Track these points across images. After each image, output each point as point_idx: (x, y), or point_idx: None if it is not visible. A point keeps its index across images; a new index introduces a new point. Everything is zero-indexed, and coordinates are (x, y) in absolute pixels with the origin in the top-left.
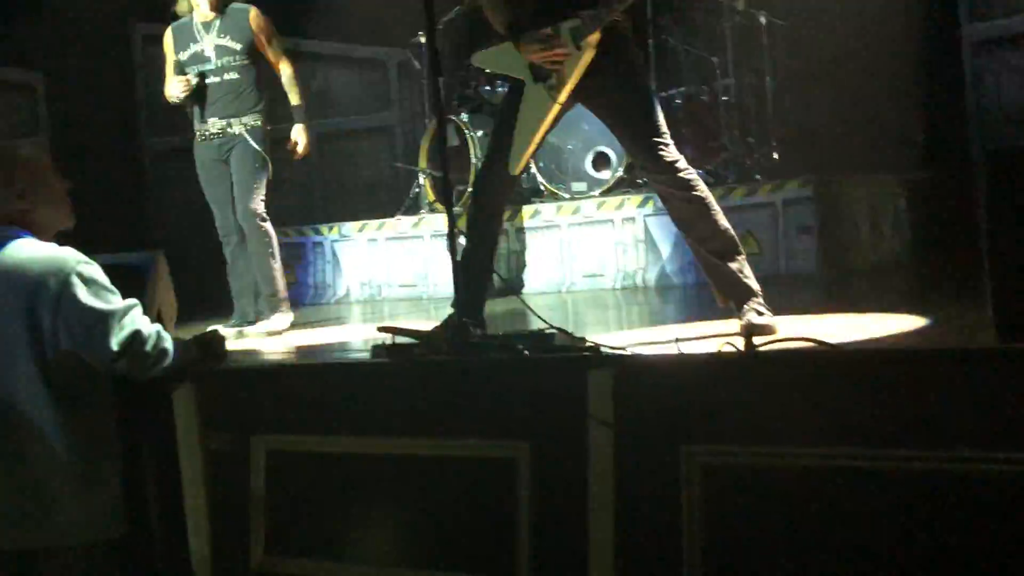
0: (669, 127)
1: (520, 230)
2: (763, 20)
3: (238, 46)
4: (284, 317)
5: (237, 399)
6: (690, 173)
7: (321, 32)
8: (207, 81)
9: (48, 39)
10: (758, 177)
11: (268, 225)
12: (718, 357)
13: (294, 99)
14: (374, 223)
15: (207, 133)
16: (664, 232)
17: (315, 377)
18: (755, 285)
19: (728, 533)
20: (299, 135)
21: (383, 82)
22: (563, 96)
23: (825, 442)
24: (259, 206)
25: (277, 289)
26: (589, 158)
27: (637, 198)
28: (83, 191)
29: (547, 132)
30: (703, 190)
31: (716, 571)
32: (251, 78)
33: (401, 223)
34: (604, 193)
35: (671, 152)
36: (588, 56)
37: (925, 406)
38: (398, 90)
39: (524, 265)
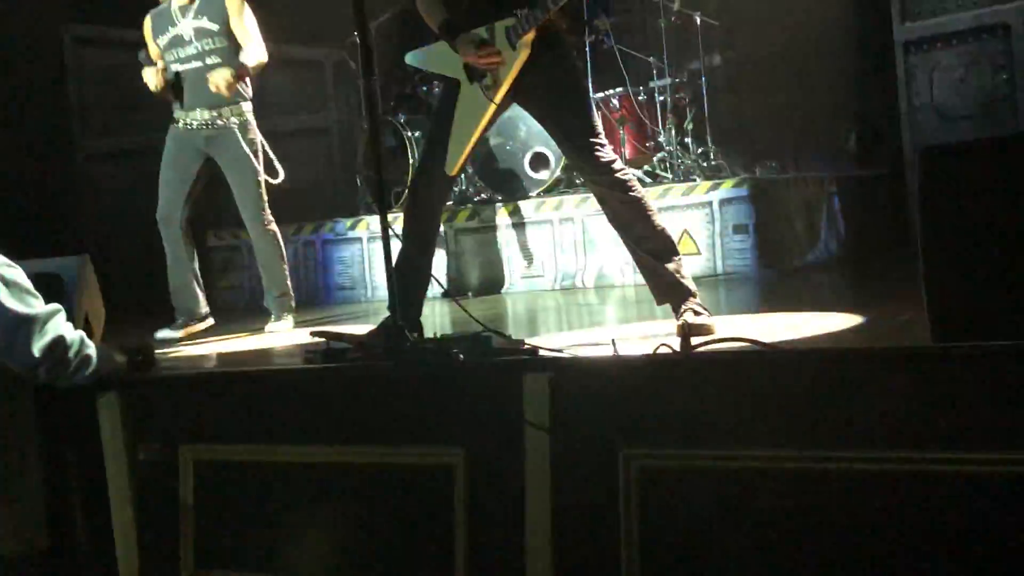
0: (606, 128)
1: (458, 232)
2: (698, 20)
3: (215, 26)
4: (291, 318)
5: (164, 408)
6: (626, 174)
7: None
8: (188, 67)
9: None
10: (695, 177)
11: (275, 227)
12: (654, 358)
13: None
14: (310, 226)
15: (192, 124)
16: (603, 232)
17: (245, 385)
18: (692, 285)
19: (666, 537)
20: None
21: (319, 83)
22: (499, 96)
23: (763, 444)
24: (265, 210)
25: (287, 289)
26: (527, 159)
27: (576, 198)
28: (12, 195)
29: (483, 132)
30: (639, 191)
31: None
32: (229, 62)
33: (338, 225)
34: (542, 194)
35: (606, 153)
36: (523, 56)
37: (860, 406)
38: (334, 91)
39: (462, 267)
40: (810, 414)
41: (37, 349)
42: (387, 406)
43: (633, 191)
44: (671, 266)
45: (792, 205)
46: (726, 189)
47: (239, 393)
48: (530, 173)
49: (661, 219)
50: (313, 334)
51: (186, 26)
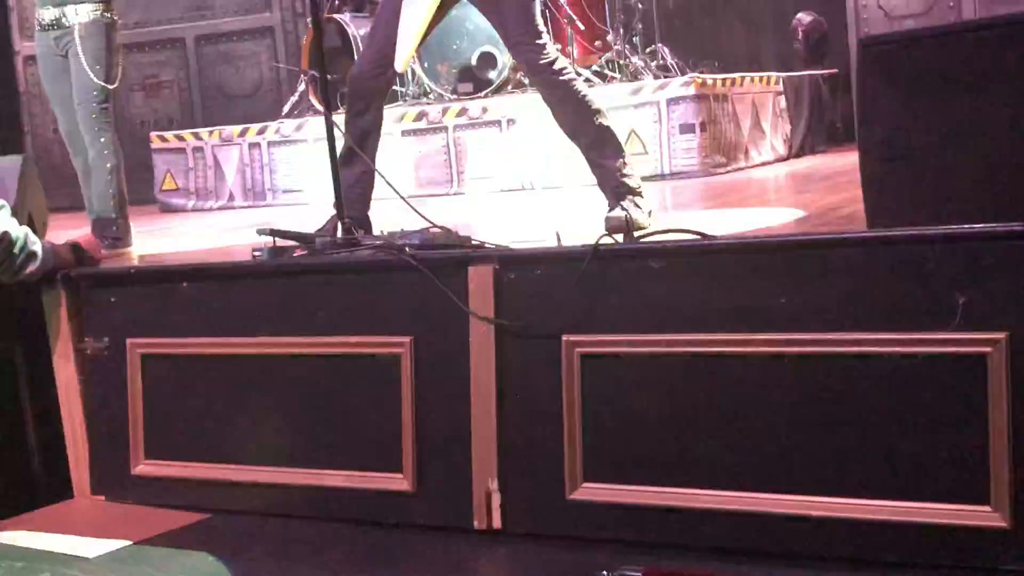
0: (554, 27)
1: (406, 132)
2: None
3: None
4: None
5: (111, 302)
6: (565, 74)
7: None
8: None
9: None
10: (642, 77)
11: (108, 136)
12: (597, 248)
13: None
14: (255, 127)
15: (43, 22)
16: (552, 134)
17: (193, 279)
18: (635, 184)
19: (607, 420)
20: None
21: None
22: None
23: (703, 329)
24: (98, 111)
25: (107, 212)
26: (475, 57)
27: (524, 99)
28: None
29: (432, 26)
30: (580, 91)
31: (596, 459)
32: None
33: (284, 126)
34: (490, 93)
35: (545, 53)
36: None
37: (794, 293)
38: None
39: (408, 167)
40: (748, 301)
41: None
42: (334, 299)
43: (573, 92)
44: (615, 163)
45: (739, 104)
46: (673, 89)
47: (186, 287)
48: (478, 73)
49: (606, 118)
50: (259, 232)
51: None
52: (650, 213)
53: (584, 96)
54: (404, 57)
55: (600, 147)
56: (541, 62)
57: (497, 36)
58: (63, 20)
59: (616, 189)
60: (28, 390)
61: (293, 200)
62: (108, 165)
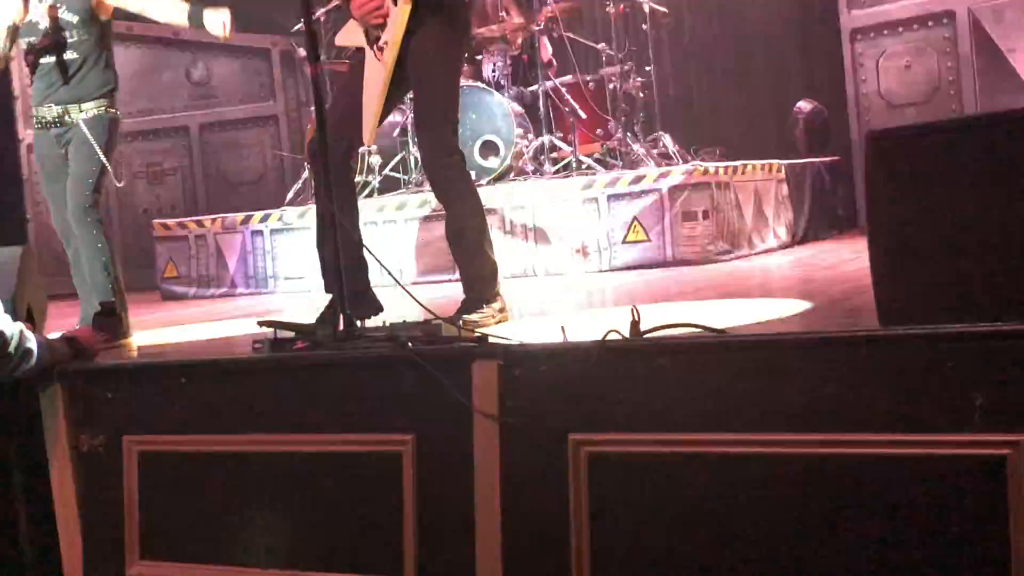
0: (556, 115)
1: (408, 220)
2: (647, 8)
3: (74, 18)
4: (123, 332)
5: (108, 398)
6: (449, 171)
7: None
8: (41, 60)
9: None
10: (645, 164)
11: (101, 227)
12: (603, 344)
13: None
14: (258, 214)
15: (43, 120)
16: (553, 221)
17: (191, 374)
18: (488, 295)
19: (615, 522)
20: (217, 19)
21: (266, 71)
22: (389, 56)
23: (711, 428)
24: (91, 203)
25: (108, 304)
26: (477, 146)
27: (526, 186)
28: None
29: (394, 100)
30: (459, 193)
31: (604, 561)
32: (93, 57)
33: (287, 214)
34: (492, 181)
35: (439, 148)
36: (405, 11)
37: (807, 391)
38: (282, 79)
39: (411, 254)
40: (757, 399)
41: None
42: (335, 394)
43: (452, 198)
44: (471, 271)
45: (742, 192)
46: (675, 176)
47: (184, 383)
48: (479, 160)
49: (484, 225)
50: (261, 323)
51: (42, 11)
52: (501, 310)
53: (459, 199)
54: (370, 130)
55: (471, 255)
56: (429, 154)
57: (499, 125)
58: (66, 118)
59: (468, 294)
60: (22, 487)
61: (295, 287)
62: (103, 259)
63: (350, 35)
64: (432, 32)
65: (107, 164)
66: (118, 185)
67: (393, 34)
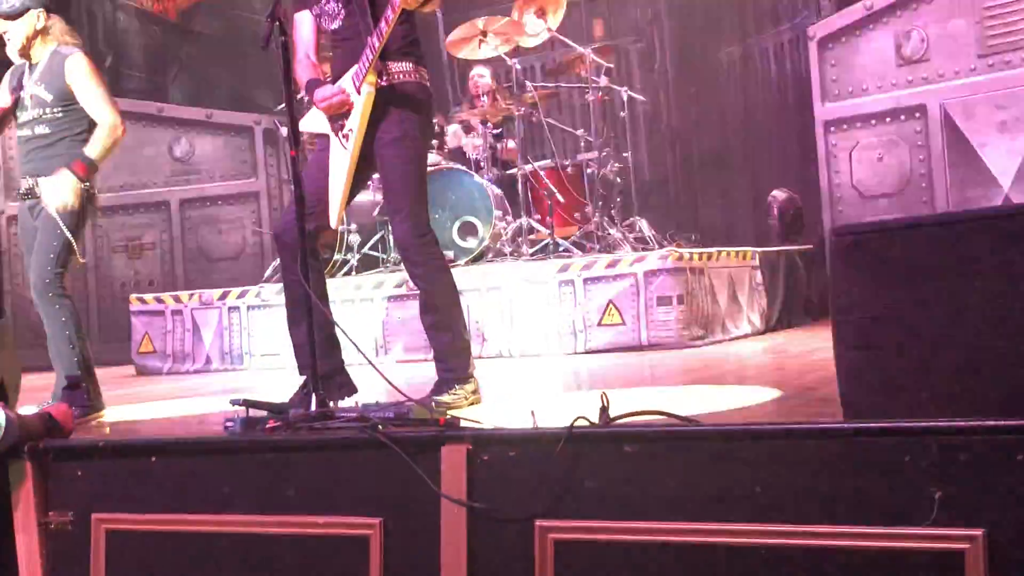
0: (534, 197)
1: (387, 299)
2: (625, 96)
3: (49, 96)
4: (95, 406)
5: (77, 475)
6: (416, 257)
7: (187, 97)
8: (20, 133)
9: None
10: (621, 249)
11: (65, 303)
12: (572, 431)
13: (92, 150)
14: (236, 291)
15: (21, 191)
16: (530, 302)
17: (160, 453)
18: (462, 372)
19: None
20: (65, 185)
21: (249, 148)
22: (354, 143)
23: (678, 516)
24: (52, 279)
25: (73, 378)
26: (456, 227)
27: (503, 267)
28: None
29: (357, 184)
30: (430, 281)
31: None
32: (64, 133)
33: (264, 291)
34: (470, 262)
35: (408, 234)
36: (368, 100)
37: (772, 481)
38: (264, 157)
39: (390, 334)
40: (724, 489)
41: None
42: (304, 476)
43: (426, 279)
44: (444, 352)
45: (716, 278)
46: (651, 261)
47: (153, 462)
48: (458, 241)
49: (457, 307)
50: (233, 402)
51: (28, 90)
52: (474, 391)
53: (431, 286)
54: (336, 214)
55: (445, 335)
56: (400, 239)
57: (478, 206)
58: (35, 190)
59: (441, 375)
60: None
61: (271, 364)
62: (67, 333)
63: (314, 122)
64: (395, 118)
65: (72, 240)
66: (80, 261)
67: (357, 122)
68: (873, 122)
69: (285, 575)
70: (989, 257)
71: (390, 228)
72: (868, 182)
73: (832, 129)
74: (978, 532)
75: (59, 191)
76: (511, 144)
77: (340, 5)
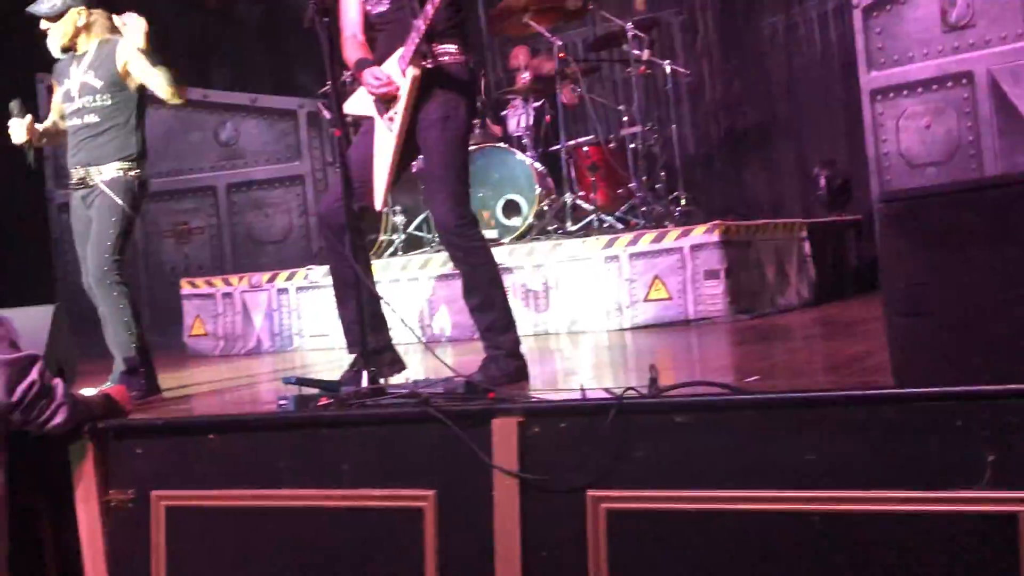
0: (578, 174)
1: (433, 278)
2: (668, 69)
3: (99, 83)
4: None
5: (137, 454)
6: (466, 241)
7: (230, 82)
8: (68, 124)
9: None
10: (666, 223)
11: (123, 289)
12: (622, 401)
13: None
14: (284, 273)
15: (72, 182)
16: (575, 279)
17: (217, 431)
18: (509, 347)
19: None
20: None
21: (293, 132)
22: (398, 126)
23: (728, 485)
24: (110, 266)
25: (133, 363)
26: (499, 206)
27: (548, 245)
28: None
29: (401, 166)
30: (477, 260)
31: None
32: (114, 121)
33: (312, 272)
34: (514, 240)
35: (450, 214)
36: (412, 83)
37: (823, 449)
38: (308, 140)
39: (436, 313)
40: (775, 457)
41: (12, 393)
42: (357, 451)
43: (467, 261)
44: (490, 330)
45: (763, 250)
46: (697, 235)
47: (211, 439)
48: (502, 220)
49: (502, 291)
50: (286, 380)
51: (75, 80)
52: (522, 368)
53: (476, 266)
54: (381, 196)
55: (490, 314)
56: (441, 220)
57: (521, 184)
58: (87, 179)
59: (488, 352)
60: (52, 543)
61: (320, 344)
62: (124, 319)
63: (359, 104)
64: (439, 101)
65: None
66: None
67: (403, 104)
68: (920, 90)
69: (340, 548)
70: None
71: (430, 210)
72: (915, 151)
73: (879, 98)
74: None
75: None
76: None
77: None
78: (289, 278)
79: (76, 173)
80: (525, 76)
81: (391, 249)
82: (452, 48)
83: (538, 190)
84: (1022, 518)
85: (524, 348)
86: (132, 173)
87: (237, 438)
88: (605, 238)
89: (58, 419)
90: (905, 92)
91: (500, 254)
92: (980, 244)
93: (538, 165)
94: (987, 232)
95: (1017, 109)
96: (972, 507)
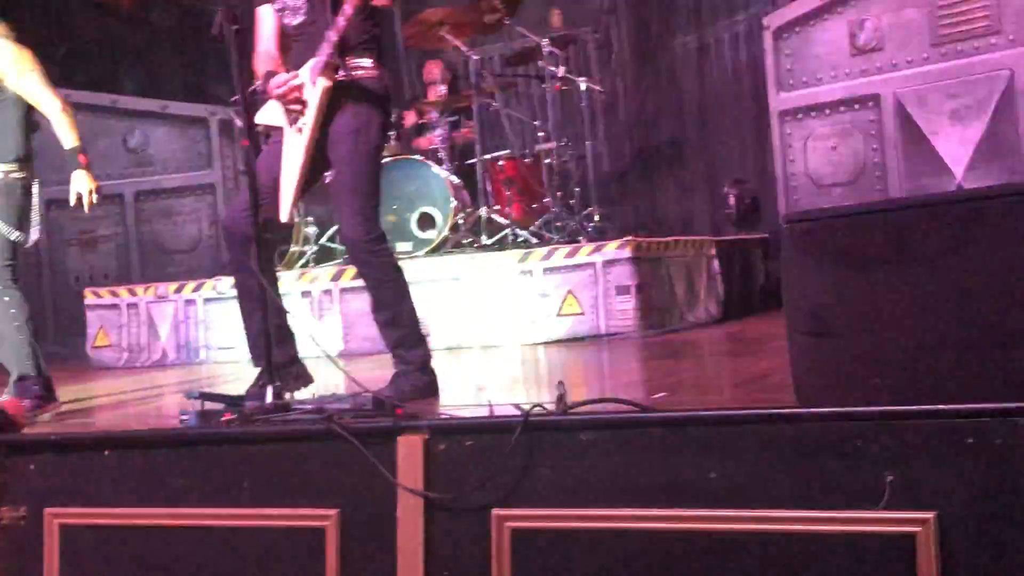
0: (493, 188)
1: (344, 291)
2: (583, 87)
3: None
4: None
5: (30, 470)
6: (373, 256)
7: (140, 88)
8: None
9: None
10: (580, 238)
11: (13, 294)
12: (528, 418)
13: (66, 141)
14: (192, 283)
15: None
16: (489, 293)
17: (113, 447)
18: (418, 361)
19: None
20: (80, 183)
21: (204, 140)
22: (307, 137)
23: (633, 503)
24: (1, 272)
25: (26, 370)
26: (415, 218)
27: (463, 258)
28: None
29: (310, 179)
30: (380, 276)
31: None
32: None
33: (220, 283)
34: (429, 253)
35: (358, 229)
36: (322, 91)
37: (725, 467)
38: (219, 148)
39: (348, 327)
40: (677, 474)
41: None
42: (260, 468)
43: (375, 275)
44: (399, 345)
45: (673, 267)
46: (609, 251)
47: (107, 455)
48: (417, 232)
49: (408, 301)
50: (188, 395)
51: None
52: (431, 383)
53: (380, 281)
54: (288, 207)
55: (399, 329)
56: (348, 235)
57: (436, 197)
58: None
59: (397, 367)
60: None
61: (227, 357)
62: (15, 324)
63: (270, 114)
64: (351, 113)
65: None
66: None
67: (312, 115)
68: (827, 111)
69: (242, 568)
70: (939, 243)
71: (338, 224)
72: (822, 171)
73: (787, 119)
74: (929, 515)
75: (82, 189)
76: (469, 127)
77: (302, 0)
78: (196, 289)
79: None
80: (441, 89)
81: (303, 260)
82: (367, 62)
83: (453, 203)
84: (920, 538)
85: (435, 363)
86: (13, 176)
87: (135, 454)
88: (519, 252)
89: None
90: (813, 113)
91: (414, 267)
92: (882, 265)
93: (454, 178)
94: (889, 253)
95: (922, 131)
96: (871, 527)
